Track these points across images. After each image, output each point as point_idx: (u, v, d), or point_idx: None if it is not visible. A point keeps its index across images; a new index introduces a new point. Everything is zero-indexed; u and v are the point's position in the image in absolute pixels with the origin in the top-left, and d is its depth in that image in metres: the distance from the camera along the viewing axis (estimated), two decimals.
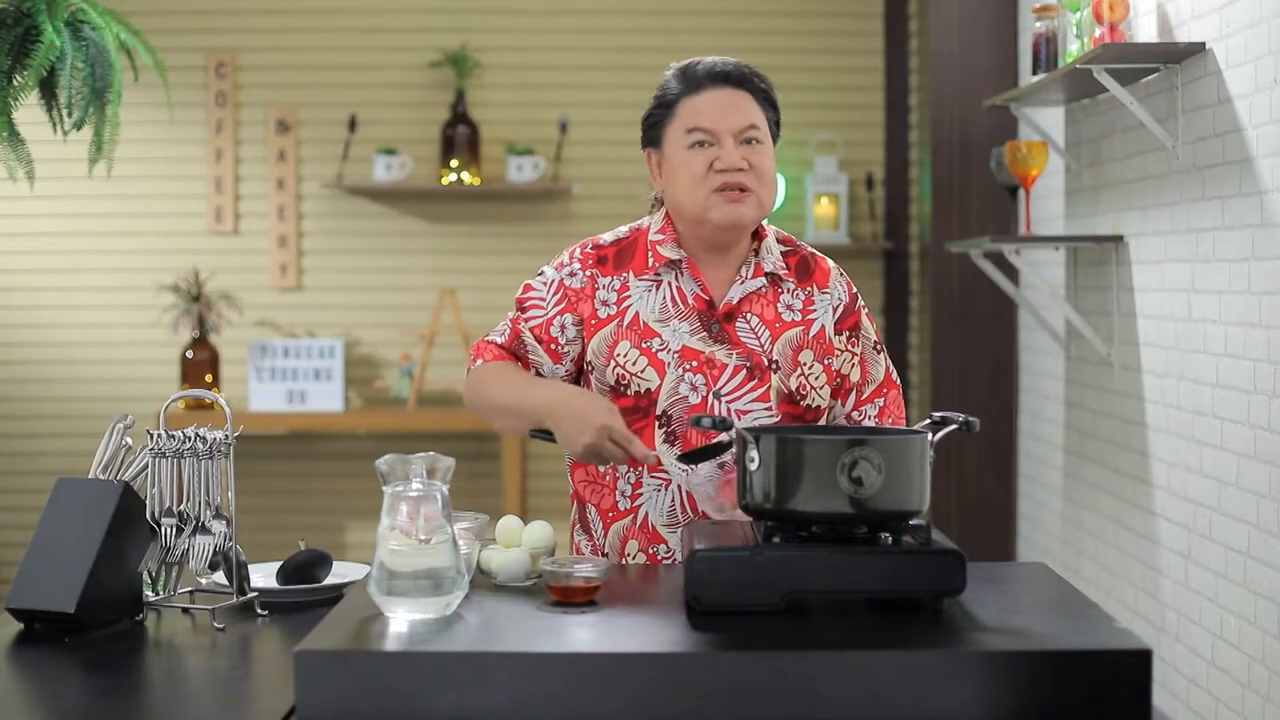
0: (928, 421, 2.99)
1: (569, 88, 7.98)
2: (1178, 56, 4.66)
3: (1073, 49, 5.03)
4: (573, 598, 2.76)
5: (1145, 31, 4.88)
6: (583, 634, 2.60)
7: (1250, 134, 4.26)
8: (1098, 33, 4.77)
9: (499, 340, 3.49)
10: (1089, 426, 5.71)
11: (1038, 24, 5.29)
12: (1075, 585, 3.27)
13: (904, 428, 3.33)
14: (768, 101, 3.40)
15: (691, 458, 3.22)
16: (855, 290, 3.52)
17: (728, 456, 3.22)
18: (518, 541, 3.02)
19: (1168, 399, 4.88)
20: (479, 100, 7.98)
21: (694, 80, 3.37)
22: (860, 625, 2.63)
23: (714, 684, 2.38)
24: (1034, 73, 5.34)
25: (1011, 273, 6.32)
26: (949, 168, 6.77)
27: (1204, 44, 4.51)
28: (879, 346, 3.52)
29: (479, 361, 3.49)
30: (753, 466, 2.76)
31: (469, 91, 7.92)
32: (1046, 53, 5.27)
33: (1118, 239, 5.27)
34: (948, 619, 2.61)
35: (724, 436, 3.17)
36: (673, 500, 3.37)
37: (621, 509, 3.41)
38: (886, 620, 2.64)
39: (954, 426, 2.96)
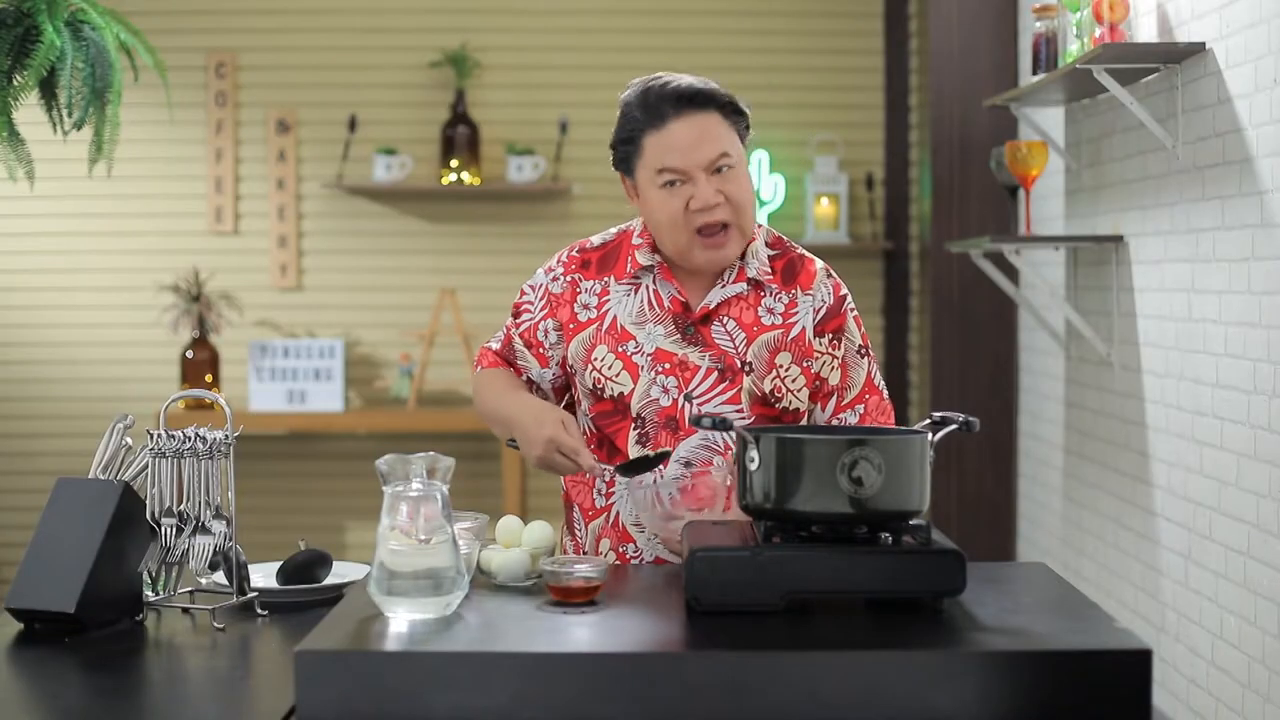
0: (928, 421, 2.99)
1: (569, 88, 7.99)
2: (1178, 56, 4.66)
3: (1073, 49, 5.03)
4: (572, 598, 2.76)
5: (1145, 31, 4.88)
6: (583, 634, 2.60)
7: (1250, 134, 4.26)
8: (1098, 33, 4.76)
9: (495, 347, 3.62)
10: (1089, 426, 5.71)
11: (1038, 24, 5.29)
12: (1075, 585, 3.27)
13: (903, 428, 3.32)
14: (734, 112, 3.37)
15: (628, 469, 3.27)
16: (845, 293, 3.48)
17: (678, 468, 3.29)
18: (518, 541, 3.02)
19: (1168, 399, 4.88)
20: (479, 100, 7.98)
21: (657, 111, 3.33)
22: (860, 625, 2.63)
23: (714, 684, 2.38)
24: (1034, 73, 5.34)
25: (1011, 273, 6.32)
26: (949, 168, 6.77)
27: (1204, 44, 4.51)
28: (864, 351, 3.48)
29: (478, 369, 3.60)
30: (753, 466, 2.76)
31: (469, 91, 7.92)
32: (1046, 53, 5.26)
33: (1118, 239, 5.27)
34: (948, 619, 2.62)
35: (648, 452, 3.32)
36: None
37: (598, 507, 3.45)
38: (886, 620, 2.64)
39: (954, 426, 2.96)
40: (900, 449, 2.73)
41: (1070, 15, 5.03)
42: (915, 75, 7.65)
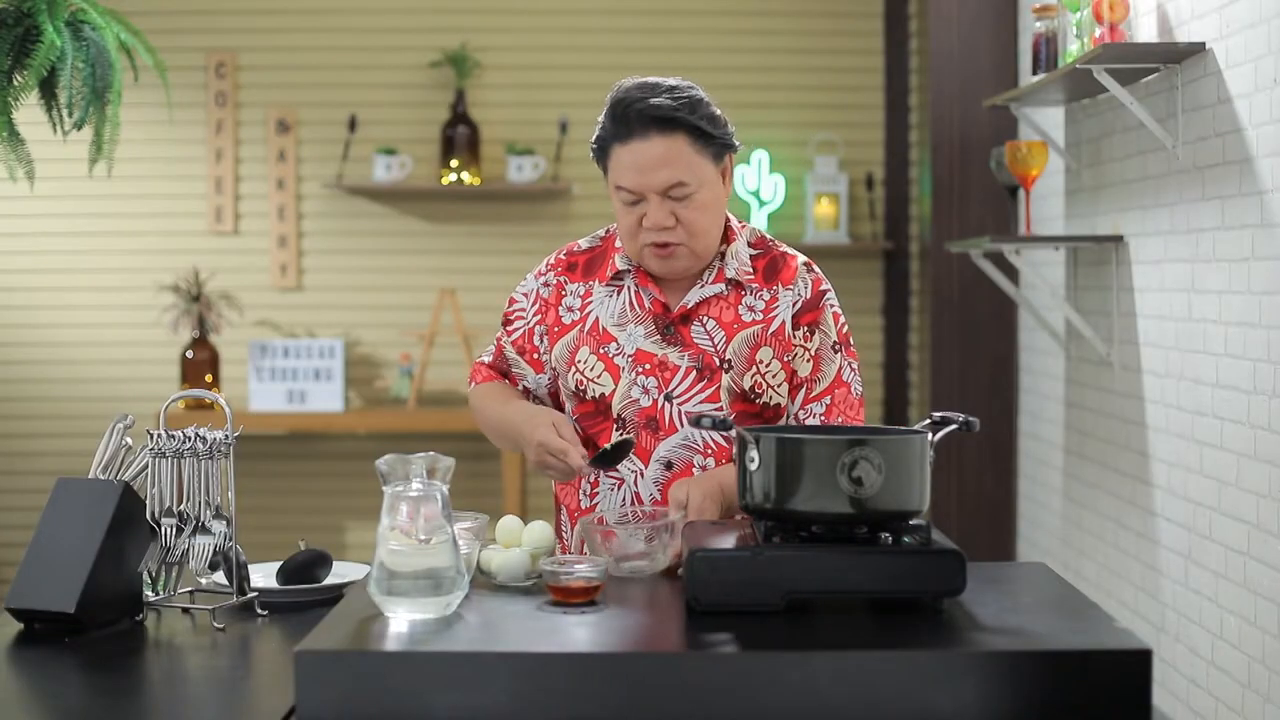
0: (928, 421, 2.99)
1: (569, 88, 7.99)
2: (1178, 56, 4.66)
3: (1073, 49, 5.03)
4: (572, 598, 2.76)
5: (1145, 31, 4.88)
6: (582, 634, 2.60)
7: (1250, 134, 4.26)
8: (1098, 33, 4.76)
9: (487, 360, 3.66)
10: (1089, 426, 5.71)
11: (1038, 24, 5.29)
12: (1075, 585, 3.27)
13: (903, 427, 3.32)
14: (704, 136, 3.32)
15: (598, 462, 3.28)
16: (825, 288, 3.48)
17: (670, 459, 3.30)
18: (518, 541, 3.02)
19: (1168, 399, 4.88)
20: (479, 100, 7.98)
21: (623, 125, 3.31)
22: (860, 625, 2.63)
23: (714, 684, 2.38)
24: (1034, 73, 5.34)
25: (1011, 273, 6.32)
26: (949, 168, 6.77)
27: (1204, 44, 4.51)
28: (839, 347, 3.47)
29: (472, 385, 3.64)
30: (753, 467, 2.76)
31: (469, 91, 7.92)
32: (1046, 53, 5.26)
33: (1118, 239, 5.27)
34: (948, 619, 2.62)
35: (630, 437, 3.34)
36: (624, 499, 3.42)
37: (584, 507, 3.47)
38: (887, 620, 2.64)
39: (954, 426, 2.96)
40: (900, 449, 2.73)
41: (1070, 15, 5.03)
42: (915, 75, 7.64)
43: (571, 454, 3.23)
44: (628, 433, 3.38)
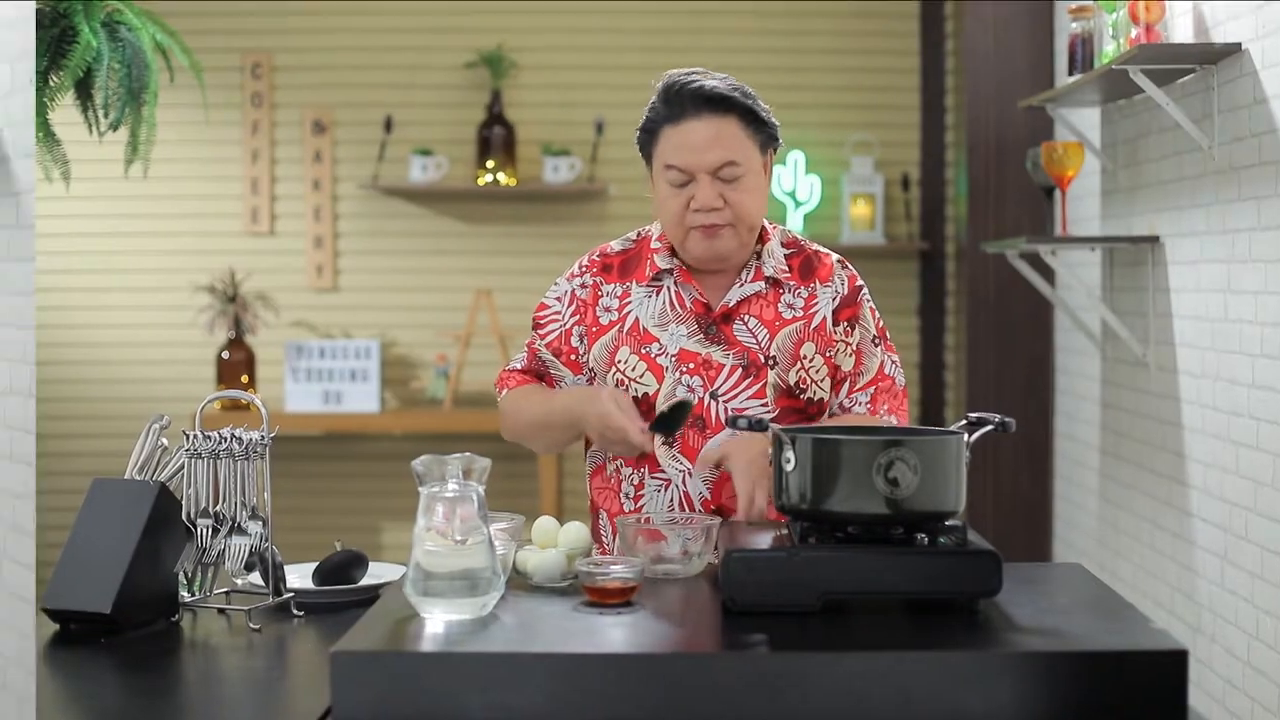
0: (964, 422, 2.99)
1: (605, 88, 7.99)
2: (1214, 57, 4.64)
3: (1109, 50, 5.02)
4: (608, 599, 2.76)
5: (1181, 32, 4.87)
6: (618, 635, 2.60)
7: None
8: (1133, 33, 4.75)
9: (519, 367, 3.63)
10: (1125, 427, 5.70)
11: (1073, 25, 5.28)
12: (1111, 586, 3.27)
13: (939, 428, 3.31)
14: (755, 121, 3.36)
15: (660, 427, 3.28)
16: (860, 284, 3.51)
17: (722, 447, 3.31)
18: (553, 542, 3.02)
19: (1204, 400, 4.87)
20: (515, 101, 7.99)
21: (676, 105, 3.35)
22: (896, 626, 2.63)
23: (750, 685, 2.38)
24: (1070, 73, 5.33)
25: (1047, 273, 6.31)
26: (985, 168, 6.76)
27: (1240, 44, 4.49)
28: (878, 340, 3.51)
29: (504, 392, 3.60)
30: (789, 467, 2.76)
31: (505, 92, 7.92)
32: (1082, 53, 5.25)
33: (1154, 240, 5.25)
34: (984, 620, 2.61)
35: (688, 397, 3.34)
36: (671, 500, 3.40)
37: (626, 511, 3.44)
38: (923, 621, 2.64)
39: (990, 427, 2.95)
40: (936, 449, 2.73)
41: (1106, 16, 5.02)
42: (951, 76, 7.63)
43: (630, 430, 3.24)
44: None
